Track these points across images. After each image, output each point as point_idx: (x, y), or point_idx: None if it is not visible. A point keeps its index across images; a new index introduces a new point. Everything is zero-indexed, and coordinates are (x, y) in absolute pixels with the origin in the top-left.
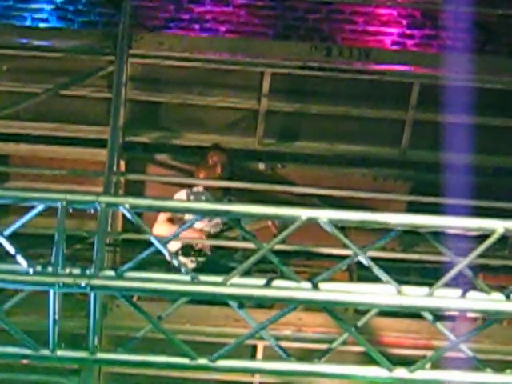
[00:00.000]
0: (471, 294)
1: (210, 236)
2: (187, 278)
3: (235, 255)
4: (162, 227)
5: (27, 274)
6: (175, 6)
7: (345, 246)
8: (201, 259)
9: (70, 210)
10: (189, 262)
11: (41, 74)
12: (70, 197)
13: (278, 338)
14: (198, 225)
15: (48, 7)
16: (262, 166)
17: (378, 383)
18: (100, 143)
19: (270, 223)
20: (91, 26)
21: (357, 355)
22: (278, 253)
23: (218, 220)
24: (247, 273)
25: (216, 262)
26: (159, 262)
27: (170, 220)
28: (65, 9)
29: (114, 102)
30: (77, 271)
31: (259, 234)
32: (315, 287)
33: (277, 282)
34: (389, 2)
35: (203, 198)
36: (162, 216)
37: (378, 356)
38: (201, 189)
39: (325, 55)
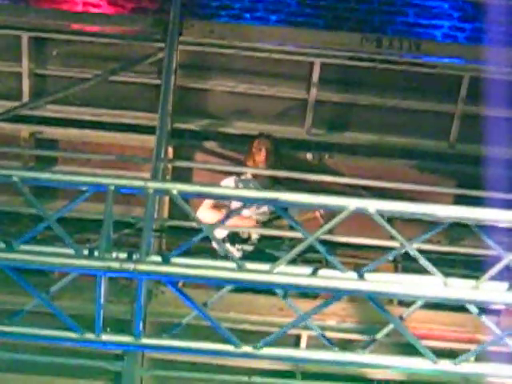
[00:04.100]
0: None
1: (257, 224)
2: (233, 265)
3: (282, 244)
4: (206, 213)
5: (74, 257)
6: None
7: (391, 238)
8: (247, 248)
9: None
10: (235, 251)
11: (91, 60)
12: (118, 182)
13: (322, 328)
14: (246, 212)
15: None
16: (309, 155)
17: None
18: (148, 129)
19: (317, 214)
20: (142, 13)
21: (401, 347)
22: (324, 243)
23: (265, 209)
24: (293, 262)
25: (262, 250)
26: (205, 250)
27: (216, 206)
28: None
29: (163, 88)
30: (123, 256)
31: (307, 226)
32: (361, 277)
33: (323, 272)
34: None
35: (251, 185)
36: (208, 201)
37: (422, 348)
38: (249, 176)
39: (375, 46)
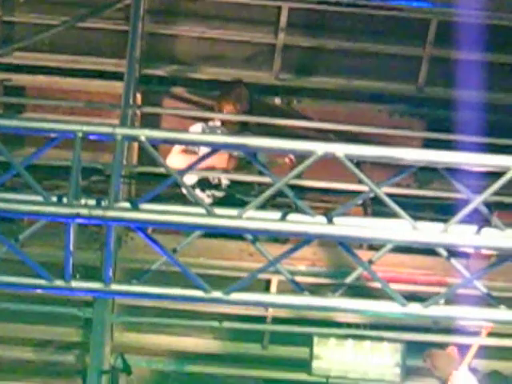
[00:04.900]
0: (486, 230)
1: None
2: (203, 211)
3: (251, 190)
4: (176, 158)
5: (43, 204)
6: None
7: (360, 182)
8: (217, 194)
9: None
10: (205, 197)
11: (58, 6)
12: (86, 128)
13: (292, 273)
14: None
15: None
16: (278, 100)
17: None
18: (116, 76)
19: (287, 160)
20: None
21: (370, 290)
22: (293, 188)
23: (234, 154)
24: (262, 207)
25: (232, 196)
26: (175, 196)
27: (185, 151)
28: None
29: (130, 34)
30: (92, 203)
31: (276, 172)
32: (330, 222)
33: (292, 216)
34: None
35: (219, 132)
36: (177, 147)
37: (391, 291)
38: (218, 123)
39: None
